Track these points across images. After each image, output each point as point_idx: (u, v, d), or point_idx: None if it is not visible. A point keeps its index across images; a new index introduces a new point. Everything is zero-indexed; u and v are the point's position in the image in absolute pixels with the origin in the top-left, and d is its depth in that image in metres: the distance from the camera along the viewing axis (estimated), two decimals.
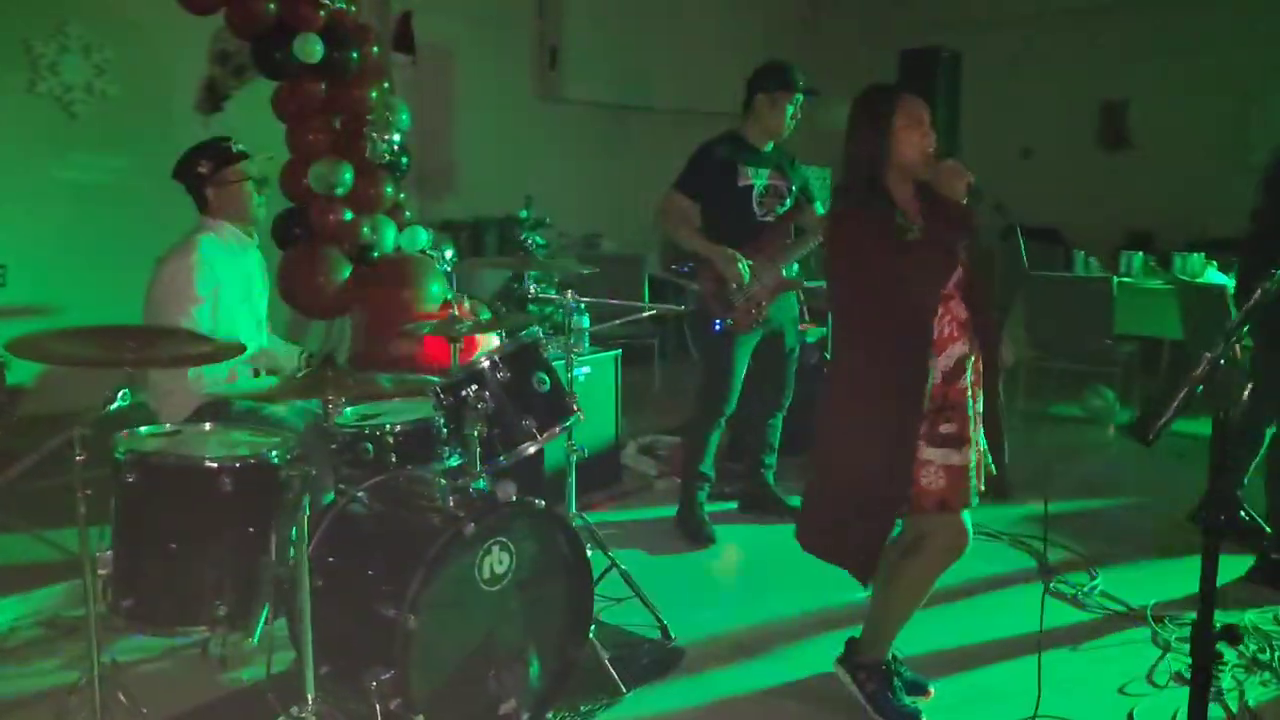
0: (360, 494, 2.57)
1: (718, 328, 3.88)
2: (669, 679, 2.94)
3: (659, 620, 3.17)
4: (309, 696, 2.25)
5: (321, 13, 4.17)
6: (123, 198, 5.60)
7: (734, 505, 4.41)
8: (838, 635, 2.91)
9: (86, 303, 5.47)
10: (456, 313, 3.09)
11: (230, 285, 3.14)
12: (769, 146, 4.01)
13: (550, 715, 2.62)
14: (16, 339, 2.12)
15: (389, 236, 4.49)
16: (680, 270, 5.98)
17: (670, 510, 4.28)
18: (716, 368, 3.99)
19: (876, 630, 2.76)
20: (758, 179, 3.93)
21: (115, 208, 5.57)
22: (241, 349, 2.39)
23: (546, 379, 2.67)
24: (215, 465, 2.39)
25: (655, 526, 4.18)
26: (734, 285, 3.81)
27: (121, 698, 2.33)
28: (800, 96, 3.94)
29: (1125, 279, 5.93)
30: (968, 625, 3.30)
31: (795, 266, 4.10)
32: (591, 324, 4.51)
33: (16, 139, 5.23)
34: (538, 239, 5.30)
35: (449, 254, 4.76)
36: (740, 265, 3.77)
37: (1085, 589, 3.54)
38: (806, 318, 5.24)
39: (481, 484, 2.54)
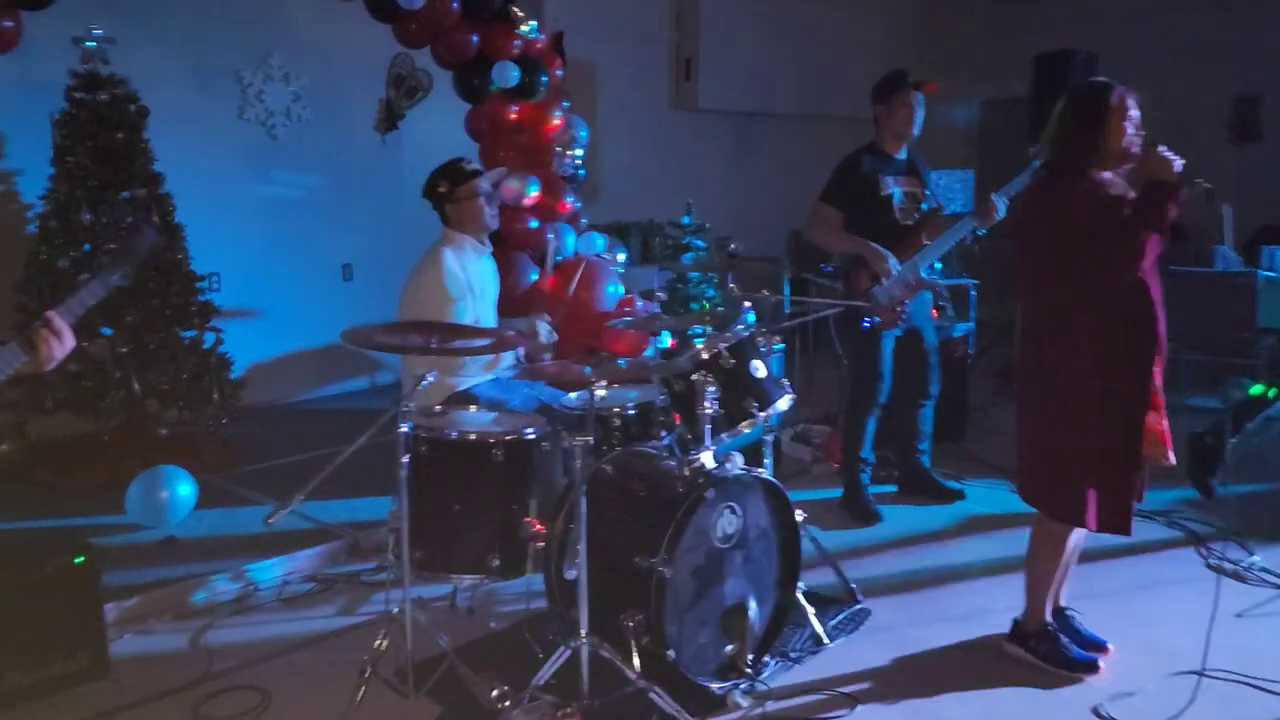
0: (606, 465, 3.00)
1: (866, 325, 4.20)
2: (860, 633, 3.30)
3: (847, 583, 3.52)
4: (582, 632, 2.67)
5: (517, 42, 4.64)
6: (315, 211, 6.24)
7: (893, 489, 4.73)
8: (1011, 600, 3.21)
9: (286, 304, 6.13)
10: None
11: (470, 288, 3.60)
12: (903, 154, 4.32)
13: (766, 657, 3.00)
14: (351, 330, 2.61)
15: (570, 241, 4.94)
16: (824, 270, 6.33)
17: (828, 493, 4.62)
18: (866, 362, 4.32)
19: (1031, 598, 3.06)
20: (896, 188, 4.24)
21: (309, 220, 6.21)
22: (518, 340, 2.83)
23: (762, 366, 3.05)
24: (491, 440, 2.85)
25: (821, 506, 4.51)
26: (883, 281, 4.12)
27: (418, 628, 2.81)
28: (918, 94, 4.22)
29: (1268, 273, 6.02)
30: (1136, 592, 3.57)
31: (938, 263, 4.39)
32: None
33: (227, 160, 5.87)
34: (698, 242, 5.69)
35: (621, 257, 5.22)
36: (891, 261, 4.10)
37: (1245, 564, 3.76)
38: (953, 313, 5.52)
39: (710, 457, 2.93)
